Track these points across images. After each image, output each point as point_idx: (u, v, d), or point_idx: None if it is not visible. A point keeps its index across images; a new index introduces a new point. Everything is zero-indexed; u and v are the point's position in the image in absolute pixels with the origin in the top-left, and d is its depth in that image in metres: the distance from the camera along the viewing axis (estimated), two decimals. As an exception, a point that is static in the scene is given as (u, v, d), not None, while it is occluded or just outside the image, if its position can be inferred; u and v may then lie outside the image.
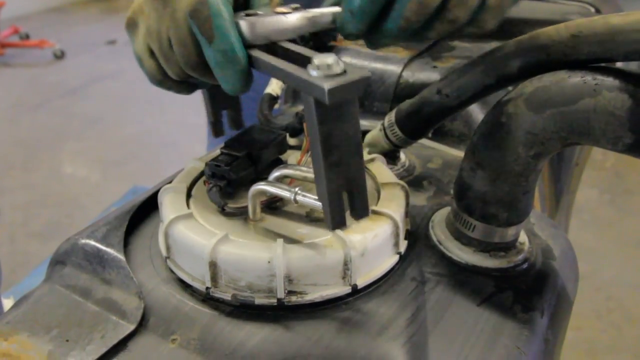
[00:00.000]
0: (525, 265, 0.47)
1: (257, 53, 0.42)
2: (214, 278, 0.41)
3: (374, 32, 0.44)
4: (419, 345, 0.40)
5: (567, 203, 0.95)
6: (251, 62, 0.42)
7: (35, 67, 4.50)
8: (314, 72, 0.35)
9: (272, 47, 0.43)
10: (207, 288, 0.42)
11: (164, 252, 0.45)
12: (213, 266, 0.41)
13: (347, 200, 0.39)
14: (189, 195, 0.48)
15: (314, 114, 0.36)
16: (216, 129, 0.52)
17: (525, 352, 0.41)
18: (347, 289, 0.42)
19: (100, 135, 3.44)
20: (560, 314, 0.47)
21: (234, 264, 0.41)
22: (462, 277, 0.46)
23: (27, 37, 4.88)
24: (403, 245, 0.46)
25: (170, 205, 0.45)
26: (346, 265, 0.41)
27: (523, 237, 0.49)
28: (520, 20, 0.82)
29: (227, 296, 0.42)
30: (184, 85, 0.50)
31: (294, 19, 0.43)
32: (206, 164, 0.47)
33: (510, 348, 0.41)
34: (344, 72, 0.34)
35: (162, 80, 0.49)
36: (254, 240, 0.43)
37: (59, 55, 4.58)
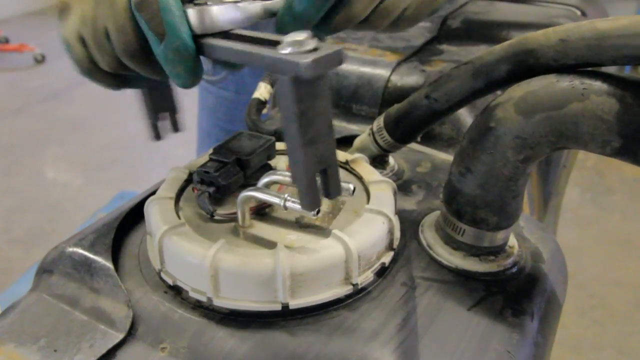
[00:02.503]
0: (514, 269, 0.47)
1: (211, 41, 0.41)
2: (215, 287, 0.41)
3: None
4: (410, 350, 0.40)
5: (555, 205, 0.95)
6: (202, 51, 0.42)
7: (15, 71, 4.46)
8: (286, 51, 0.35)
9: (227, 35, 0.42)
10: (209, 298, 0.41)
11: (157, 265, 0.45)
12: (214, 275, 0.40)
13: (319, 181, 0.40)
14: (176, 205, 0.48)
15: (290, 92, 0.36)
16: (156, 132, 0.53)
17: (515, 356, 0.41)
18: (348, 290, 0.42)
19: (82, 139, 3.42)
20: (549, 317, 0.47)
21: (234, 272, 0.40)
22: (452, 282, 0.46)
23: (6, 41, 4.83)
24: (396, 241, 0.47)
25: (161, 217, 0.45)
26: (347, 266, 0.41)
27: (512, 241, 0.49)
28: (508, 23, 0.83)
29: (228, 305, 0.41)
30: (114, 79, 0.49)
31: (245, 6, 0.43)
32: (196, 170, 0.47)
33: (501, 352, 0.41)
34: (316, 48, 0.35)
35: (91, 69, 0.48)
36: (245, 247, 0.42)
37: (40, 60, 4.54)
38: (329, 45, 0.35)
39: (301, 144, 0.37)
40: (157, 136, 0.55)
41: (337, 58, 0.35)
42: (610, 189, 2.95)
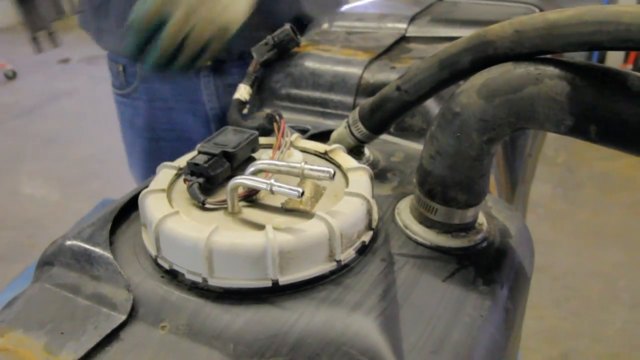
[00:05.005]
0: (484, 244, 0.51)
1: None
2: (210, 268, 0.44)
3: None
4: (391, 318, 0.43)
5: (522, 193, 1.00)
6: None
7: (-14, 88, 4.42)
8: None
9: None
10: (204, 278, 0.44)
11: (153, 252, 0.47)
12: (209, 257, 0.43)
13: None
14: (168, 197, 0.51)
15: None
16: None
17: (488, 320, 0.45)
18: (332, 266, 0.46)
19: (57, 154, 3.40)
20: (518, 287, 0.51)
21: (227, 253, 0.43)
22: (427, 257, 0.50)
23: (-24, 58, 4.79)
24: (375, 222, 0.50)
25: (155, 207, 0.48)
26: (331, 244, 0.45)
27: (482, 219, 0.53)
28: (469, 21, 0.87)
29: (222, 284, 0.44)
30: None
31: None
32: (186, 163, 0.50)
33: (474, 317, 0.45)
34: None
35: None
36: (236, 230, 0.46)
37: (11, 76, 4.51)
38: None
39: None
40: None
41: None
42: (580, 184, 3.02)
